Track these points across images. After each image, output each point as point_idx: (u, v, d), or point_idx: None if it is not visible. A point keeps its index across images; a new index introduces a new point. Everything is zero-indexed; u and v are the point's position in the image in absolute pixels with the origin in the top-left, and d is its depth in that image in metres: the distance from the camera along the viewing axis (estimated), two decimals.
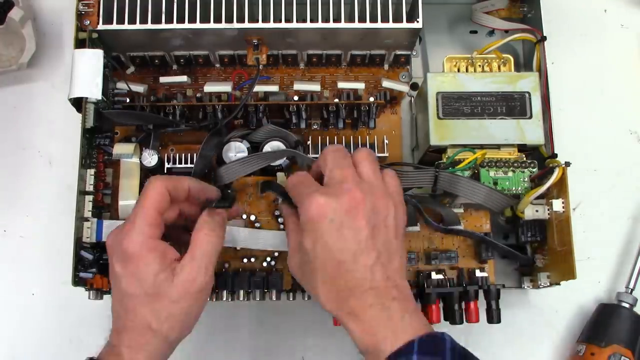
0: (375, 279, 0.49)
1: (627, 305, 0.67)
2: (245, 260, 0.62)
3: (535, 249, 0.66)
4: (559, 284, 0.63)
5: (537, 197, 0.61)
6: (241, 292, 0.61)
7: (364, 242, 0.49)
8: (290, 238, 0.55)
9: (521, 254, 0.65)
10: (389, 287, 0.49)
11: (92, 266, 0.60)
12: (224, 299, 0.61)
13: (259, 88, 0.64)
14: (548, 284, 0.64)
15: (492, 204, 0.60)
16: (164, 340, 0.51)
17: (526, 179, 0.62)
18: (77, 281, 0.59)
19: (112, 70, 0.66)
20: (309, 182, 0.54)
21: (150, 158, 0.62)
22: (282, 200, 0.59)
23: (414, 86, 0.68)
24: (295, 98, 0.66)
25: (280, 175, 0.63)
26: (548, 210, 0.62)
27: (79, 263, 0.59)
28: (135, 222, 0.51)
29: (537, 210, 0.63)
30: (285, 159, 0.63)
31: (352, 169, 0.52)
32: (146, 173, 0.63)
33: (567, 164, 0.60)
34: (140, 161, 0.62)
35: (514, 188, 0.62)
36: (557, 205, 0.61)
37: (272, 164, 0.63)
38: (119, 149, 0.62)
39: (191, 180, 0.55)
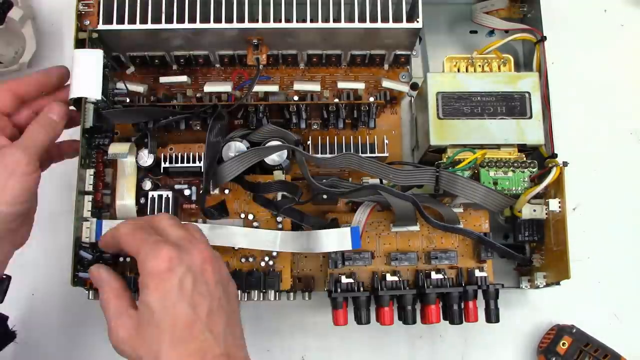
0: (227, 342, 0.48)
1: None
2: (243, 260, 0.62)
3: (534, 249, 0.66)
4: (557, 283, 0.63)
5: (536, 197, 0.62)
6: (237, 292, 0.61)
7: (217, 302, 0.48)
8: (110, 305, 0.50)
9: (520, 253, 0.65)
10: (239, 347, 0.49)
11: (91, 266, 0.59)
12: None
13: (259, 88, 0.64)
14: (544, 283, 0.64)
15: (490, 204, 0.60)
16: None
17: (526, 179, 0.62)
18: (77, 281, 0.59)
19: (112, 70, 0.66)
20: (149, 229, 0.51)
21: (146, 158, 0.62)
22: (95, 265, 0.55)
23: (413, 86, 0.68)
24: (295, 98, 0.66)
25: (277, 174, 0.63)
26: (546, 210, 0.63)
27: (79, 263, 0.59)
28: None
29: (534, 210, 0.63)
30: (285, 158, 0.63)
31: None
32: (144, 173, 0.63)
33: (565, 163, 0.60)
34: (137, 161, 0.62)
35: (514, 188, 0.61)
36: (554, 204, 0.61)
37: (272, 164, 0.63)
38: (114, 148, 0.62)
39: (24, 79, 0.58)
